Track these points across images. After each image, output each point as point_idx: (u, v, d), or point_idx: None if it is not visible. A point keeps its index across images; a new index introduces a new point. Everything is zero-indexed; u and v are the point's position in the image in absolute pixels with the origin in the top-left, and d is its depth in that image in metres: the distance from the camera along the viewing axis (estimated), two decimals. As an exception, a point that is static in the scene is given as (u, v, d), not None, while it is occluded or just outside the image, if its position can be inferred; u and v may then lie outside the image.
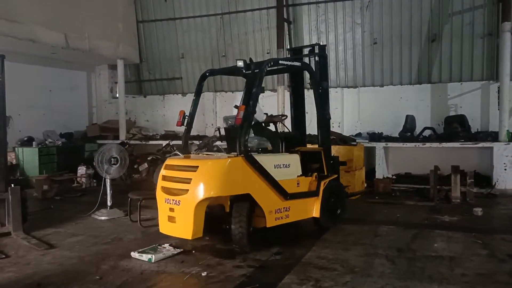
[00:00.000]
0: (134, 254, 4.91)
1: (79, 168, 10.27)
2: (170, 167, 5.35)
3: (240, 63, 5.40)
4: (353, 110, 11.35)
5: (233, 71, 5.89)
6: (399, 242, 5.39)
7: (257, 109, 6.23)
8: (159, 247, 5.12)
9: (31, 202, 7.07)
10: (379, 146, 9.78)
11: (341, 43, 11.42)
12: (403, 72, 11.01)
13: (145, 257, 4.81)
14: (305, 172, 5.90)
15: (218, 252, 5.04)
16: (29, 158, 10.70)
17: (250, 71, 5.55)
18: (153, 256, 4.79)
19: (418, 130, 10.14)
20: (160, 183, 5.35)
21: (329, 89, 10.67)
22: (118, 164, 7.08)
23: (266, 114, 6.46)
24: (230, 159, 5.00)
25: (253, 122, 6.00)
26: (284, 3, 11.27)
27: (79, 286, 4.13)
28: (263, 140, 5.93)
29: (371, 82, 11.32)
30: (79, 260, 4.89)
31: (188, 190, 4.90)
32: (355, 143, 9.01)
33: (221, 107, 12.72)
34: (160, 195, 5.26)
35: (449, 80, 10.60)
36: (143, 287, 4.08)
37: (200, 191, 4.84)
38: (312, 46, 6.98)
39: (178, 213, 4.98)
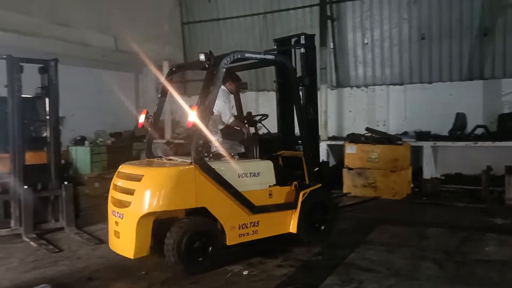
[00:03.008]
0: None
1: (127, 166, 10.61)
2: (120, 175, 4.69)
3: (202, 56, 4.53)
4: (399, 108, 11.04)
5: (197, 65, 5.10)
6: (447, 245, 5.21)
7: (222, 110, 5.30)
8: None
9: (83, 199, 7.40)
10: (426, 145, 9.43)
11: (387, 39, 11.12)
12: (453, 68, 10.57)
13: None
14: (285, 180, 5.15)
15: (260, 251, 5.01)
16: (81, 157, 11.19)
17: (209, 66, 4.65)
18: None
19: (469, 128, 9.72)
20: (110, 192, 4.74)
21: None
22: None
23: (238, 115, 5.64)
24: (180, 168, 4.40)
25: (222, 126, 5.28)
26: (328, 1, 11.13)
27: (125, 281, 4.29)
28: (236, 145, 5.25)
29: (418, 79, 10.95)
30: (126, 255, 5.06)
31: (131, 202, 4.30)
32: (401, 142, 8.79)
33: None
34: (109, 206, 4.69)
35: (503, 75, 10.04)
36: (186, 283, 4.17)
37: (143, 204, 4.20)
38: (298, 36, 6.07)
39: (121, 227, 4.42)
